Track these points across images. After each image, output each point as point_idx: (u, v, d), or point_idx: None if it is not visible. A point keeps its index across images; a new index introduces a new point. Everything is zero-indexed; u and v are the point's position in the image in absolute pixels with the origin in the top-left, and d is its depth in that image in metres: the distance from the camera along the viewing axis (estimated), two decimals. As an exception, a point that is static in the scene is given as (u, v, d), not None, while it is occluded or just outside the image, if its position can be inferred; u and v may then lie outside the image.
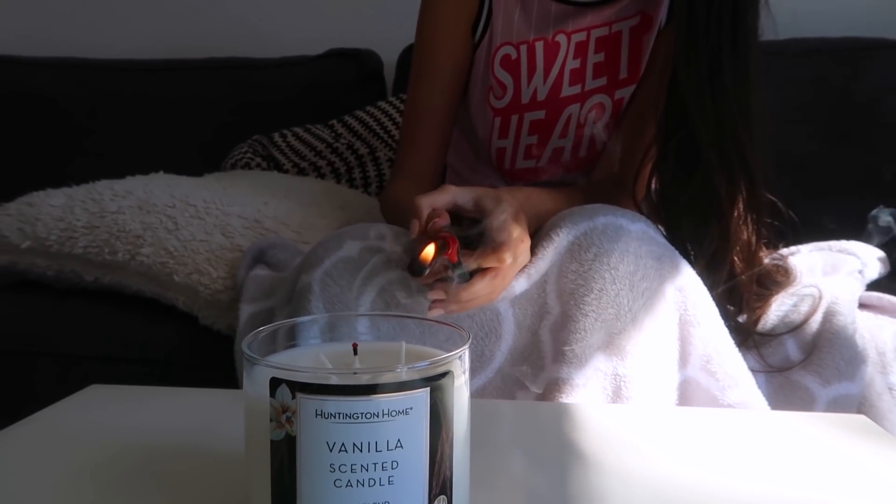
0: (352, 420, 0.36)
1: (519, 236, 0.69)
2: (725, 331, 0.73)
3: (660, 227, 0.79)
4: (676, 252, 0.74)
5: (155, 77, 1.68)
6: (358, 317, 0.64)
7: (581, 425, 0.59)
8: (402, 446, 0.37)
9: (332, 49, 1.67)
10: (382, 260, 0.73)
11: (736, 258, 0.81)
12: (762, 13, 0.81)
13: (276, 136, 1.50)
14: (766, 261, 0.87)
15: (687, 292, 0.71)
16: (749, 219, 0.81)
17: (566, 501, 0.47)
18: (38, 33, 1.87)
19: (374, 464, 0.36)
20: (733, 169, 0.80)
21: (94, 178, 1.16)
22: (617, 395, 0.69)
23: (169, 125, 1.63)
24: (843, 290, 0.85)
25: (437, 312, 0.68)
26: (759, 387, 0.73)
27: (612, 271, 0.70)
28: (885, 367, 0.79)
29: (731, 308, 0.81)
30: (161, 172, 1.21)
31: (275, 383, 0.37)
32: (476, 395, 0.71)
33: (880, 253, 0.98)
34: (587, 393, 0.68)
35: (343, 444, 0.36)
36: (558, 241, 0.72)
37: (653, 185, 0.86)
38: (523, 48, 0.94)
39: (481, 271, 0.68)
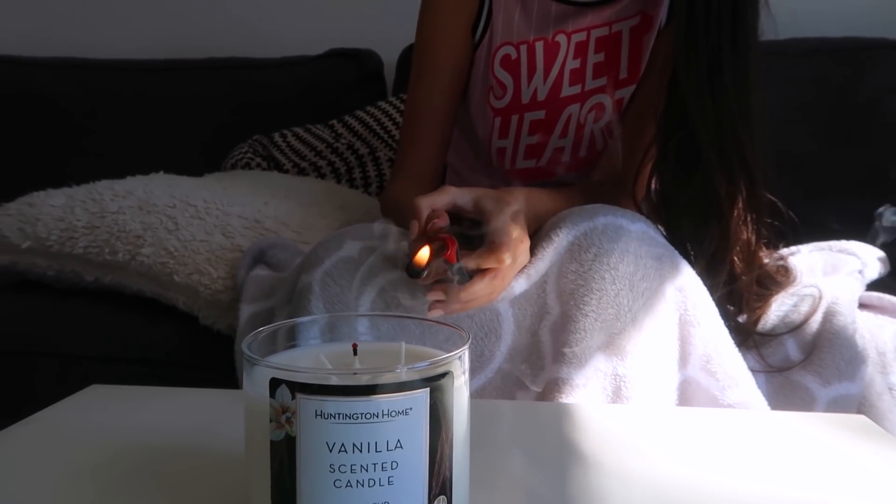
0: (351, 420, 0.36)
1: (518, 237, 0.69)
2: (725, 331, 0.73)
3: (660, 227, 0.79)
4: (676, 252, 0.74)
5: (155, 77, 1.68)
6: (358, 317, 0.64)
7: (581, 425, 0.59)
8: (401, 447, 0.37)
9: (333, 49, 1.67)
10: (381, 259, 0.73)
11: (736, 258, 0.81)
12: (762, 13, 0.81)
13: (277, 136, 1.50)
14: (766, 261, 0.87)
15: (687, 292, 0.71)
16: (749, 219, 0.81)
17: (566, 502, 0.47)
18: (38, 33, 1.87)
19: (374, 464, 0.36)
20: (733, 169, 0.80)
21: (95, 179, 1.16)
22: (617, 396, 0.69)
23: (169, 125, 1.63)
24: (843, 290, 0.85)
25: (436, 313, 0.68)
26: (760, 387, 0.73)
27: (612, 271, 0.70)
28: (886, 368, 0.79)
29: (731, 308, 0.81)
30: (161, 172, 1.21)
31: (275, 384, 0.37)
32: (476, 395, 0.71)
33: (880, 253, 0.98)
34: (587, 393, 0.68)
35: (343, 444, 0.36)
36: (558, 242, 0.72)
37: (653, 185, 0.86)
38: (523, 48, 0.94)
39: (481, 272, 0.68)
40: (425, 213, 0.68)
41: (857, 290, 0.88)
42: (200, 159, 1.50)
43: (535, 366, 0.71)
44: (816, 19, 1.49)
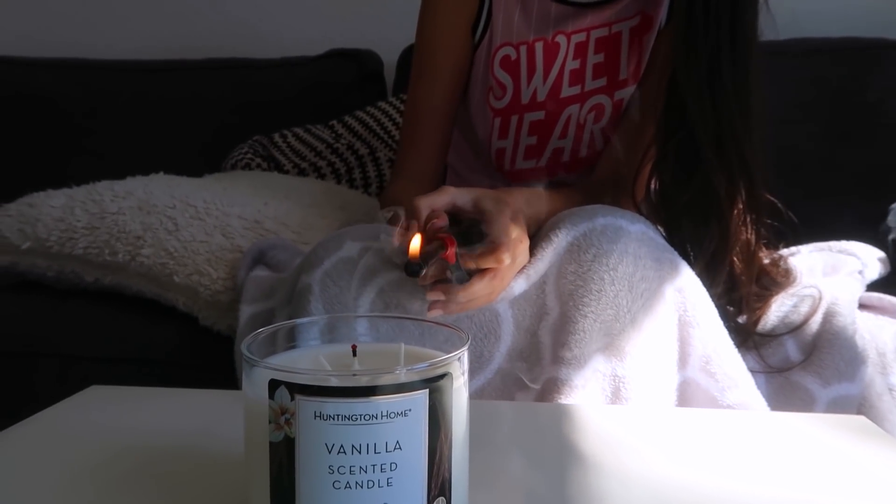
0: (350, 422, 0.36)
1: (518, 237, 0.69)
2: (725, 331, 0.73)
3: (659, 227, 0.79)
4: (676, 253, 0.74)
5: (155, 77, 1.68)
6: (357, 318, 0.64)
7: (580, 426, 0.59)
8: (400, 448, 0.37)
9: (333, 49, 1.67)
10: (379, 259, 0.73)
11: (735, 259, 0.81)
12: (762, 13, 0.81)
13: (277, 137, 1.50)
14: (766, 261, 0.87)
15: (686, 293, 0.71)
16: (748, 219, 0.81)
17: (565, 502, 0.47)
18: (38, 34, 1.87)
19: (373, 465, 0.36)
20: (733, 169, 0.80)
21: (95, 179, 1.16)
22: (616, 396, 0.69)
23: (169, 125, 1.63)
24: (843, 290, 0.85)
25: (436, 313, 0.68)
26: (759, 387, 0.73)
27: (612, 272, 0.70)
28: (885, 368, 0.79)
29: (731, 309, 0.81)
30: (161, 173, 1.21)
31: (274, 385, 0.37)
32: (475, 395, 0.71)
33: (880, 253, 0.98)
34: (586, 394, 0.68)
35: (342, 445, 0.36)
36: (557, 242, 0.72)
37: (652, 186, 0.86)
38: (523, 49, 0.94)
39: (480, 272, 0.68)
40: (424, 213, 0.68)
41: (857, 290, 0.88)
42: (200, 160, 1.50)
43: (534, 366, 0.71)
44: (816, 19, 1.49)
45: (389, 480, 0.36)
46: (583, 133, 0.97)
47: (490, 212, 0.69)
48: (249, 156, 1.46)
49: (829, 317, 0.81)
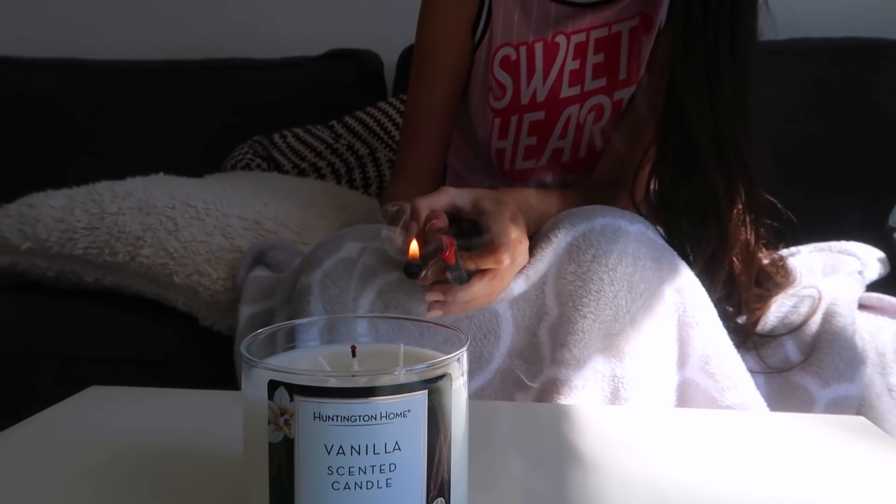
0: (350, 423, 0.36)
1: (517, 237, 0.69)
2: (724, 332, 0.73)
3: (658, 228, 0.79)
4: (675, 253, 0.74)
5: (155, 78, 1.68)
6: (357, 318, 0.64)
7: (579, 427, 0.59)
8: (399, 449, 0.37)
9: (333, 50, 1.67)
10: (379, 259, 0.73)
11: (735, 259, 0.81)
12: (761, 13, 0.81)
13: (277, 137, 1.50)
14: (766, 262, 0.87)
15: (686, 293, 0.71)
16: (748, 219, 0.81)
17: (565, 503, 0.47)
18: (38, 34, 1.87)
19: (372, 466, 0.36)
20: (731, 169, 0.80)
21: (95, 180, 1.16)
22: (615, 397, 0.69)
23: (169, 126, 1.63)
24: (842, 290, 0.85)
25: (435, 314, 0.68)
26: (759, 388, 0.73)
27: (611, 272, 0.70)
28: (885, 369, 0.79)
29: (730, 309, 0.81)
30: (161, 174, 1.21)
31: (273, 386, 0.37)
32: (475, 396, 0.71)
33: (880, 254, 0.98)
34: (586, 394, 0.68)
35: (341, 446, 0.36)
36: (557, 243, 0.72)
37: (651, 186, 0.86)
38: (523, 49, 0.94)
39: (480, 272, 0.68)
40: (424, 213, 0.68)
41: (857, 290, 0.88)
42: (200, 160, 1.50)
43: (533, 367, 0.71)
44: (816, 19, 1.49)
45: (388, 481, 0.36)
46: (582, 133, 0.97)
47: (489, 212, 0.69)
48: (249, 156, 1.46)
49: (828, 317, 0.81)
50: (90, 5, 1.87)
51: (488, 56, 0.96)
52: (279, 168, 1.45)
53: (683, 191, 0.82)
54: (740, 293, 0.81)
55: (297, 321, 0.47)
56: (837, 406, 0.76)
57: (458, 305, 0.68)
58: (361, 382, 0.37)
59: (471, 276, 0.68)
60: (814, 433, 0.59)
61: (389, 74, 1.66)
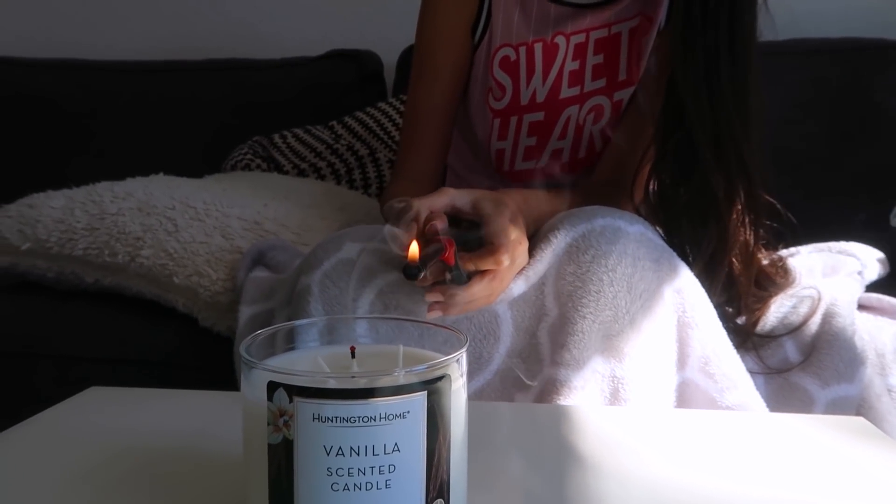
0: (349, 424, 0.36)
1: (517, 238, 0.69)
2: (724, 332, 0.73)
3: (658, 228, 0.79)
4: (675, 254, 0.74)
5: (155, 78, 1.68)
6: (356, 319, 0.64)
7: (579, 427, 0.59)
8: (399, 450, 0.37)
9: (333, 50, 1.67)
10: (378, 260, 0.73)
11: (734, 260, 0.81)
12: (761, 14, 0.81)
13: (276, 138, 1.50)
14: (765, 262, 0.87)
15: (685, 294, 0.71)
16: (747, 220, 0.81)
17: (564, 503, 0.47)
18: (38, 35, 1.87)
19: (372, 467, 0.36)
20: (731, 169, 0.80)
21: (95, 180, 1.16)
22: (615, 397, 0.69)
23: (169, 126, 1.63)
24: (842, 291, 0.85)
25: (435, 314, 0.68)
26: (758, 388, 0.73)
27: (610, 273, 0.70)
28: (884, 369, 0.79)
29: (730, 310, 0.81)
30: (161, 174, 1.21)
31: (272, 387, 0.37)
32: (474, 396, 0.71)
33: (880, 254, 0.98)
34: (585, 395, 0.68)
35: (340, 447, 0.36)
36: (556, 243, 0.72)
37: (651, 187, 0.86)
38: (522, 50, 0.94)
39: (479, 273, 0.68)
40: (424, 214, 0.68)
41: (857, 291, 0.88)
42: (200, 160, 1.50)
43: (533, 367, 0.71)
44: (816, 20, 1.49)
45: (388, 482, 0.37)
46: (582, 134, 0.97)
47: (489, 213, 0.69)
48: (249, 156, 1.46)
49: (828, 318, 0.81)
50: (90, 6, 1.87)
51: (488, 56, 0.96)
52: (279, 168, 1.45)
53: (683, 191, 0.82)
54: (740, 294, 0.81)
55: (297, 322, 0.47)
56: (837, 406, 0.76)
57: (457, 306, 0.68)
58: (361, 384, 0.37)
59: (470, 277, 0.68)
60: (813, 434, 0.59)
61: (389, 75, 1.66)
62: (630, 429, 0.59)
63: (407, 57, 1.57)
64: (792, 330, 0.82)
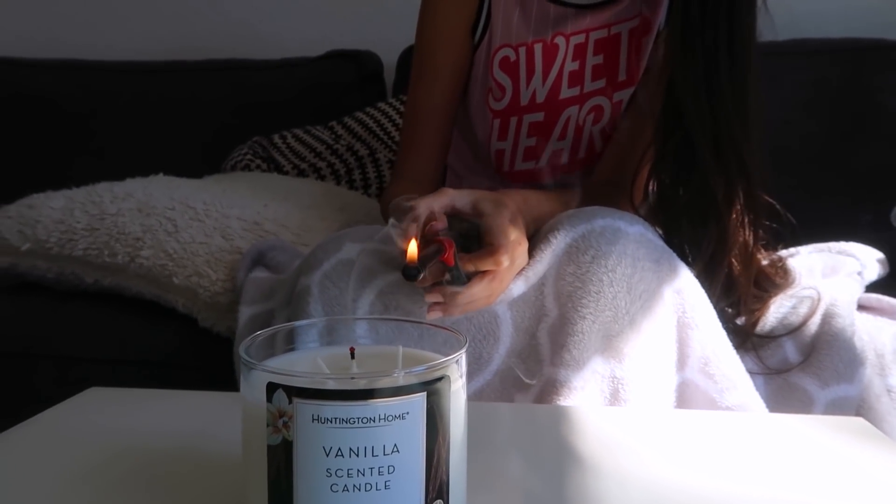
0: (348, 425, 0.36)
1: (516, 239, 0.69)
2: (723, 333, 0.73)
3: (658, 229, 0.79)
4: (674, 254, 0.74)
5: (155, 78, 1.68)
6: (356, 320, 0.64)
7: (579, 428, 0.59)
8: (398, 451, 0.37)
9: (332, 50, 1.67)
10: (377, 260, 0.73)
11: (734, 260, 0.81)
12: (760, 14, 0.81)
13: (276, 138, 1.50)
14: (765, 262, 0.87)
15: (685, 295, 0.71)
16: (746, 220, 0.81)
17: (563, 505, 0.47)
18: (38, 35, 1.87)
19: (371, 468, 0.36)
20: (730, 170, 0.80)
21: (94, 180, 1.16)
22: (615, 398, 0.69)
23: (169, 126, 1.63)
24: (842, 291, 0.85)
25: (435, 315, 0.68)
26: (758, 389, 0.73)
27: (610, 274, 0.70)
28: (884, 369, 0.79)
29: (730, 310, 0.81)
30: (161, 174, 1.21)
31: (271, 388, 0.37)
32: (474, 397, 0.71)
33: (879, 254, 0.98)
34: (585, 395, 0.68)
35: (339, 448, 0.36)
36: (556, 244, 0.72)
37: (651, 187, 0.86)
38: (522, 50, 0.94)
39: (479, 274, 0.68)
40: (423, 215, 0.68)
41: (856, 291, 0.88)
42: (200, 160, 1.50)
43: (533, 368, 0.71)
44: (816, 20, 1.49)
45: (387, 483, 0.37)
46: (582, 134, 0.97)
47: (489, 214, 0.69)
48: (249, 157, 1.46)
49: (827, 318, 0.81)
50: (90, 6, 1.87)
51: (488, 57, 0.96)
52: (279, 169, 1.45)
53: (682, 191, 0.82)
54: (739, 294, 0.81)
55: (296, 323, 0.47)
56: (836, 407, 0.76)
57: (457, 307, 0.68)
58: (360, 385, 0.37)
59: (470, 277, 0.68)
60: (813, 434, 0.59)
61: (389, 75, 1.66)
62: (630, 429, 0.59)
63: (407, 57, 1.57)
64: (791, 330, 0.82)
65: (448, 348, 0.42)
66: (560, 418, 0.62)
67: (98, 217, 1.06)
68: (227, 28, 1.81)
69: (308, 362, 0.44)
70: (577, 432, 0.58)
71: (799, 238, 0.95)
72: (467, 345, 0.41)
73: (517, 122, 0.97)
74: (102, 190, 1.11)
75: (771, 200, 0.85)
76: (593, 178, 0.99)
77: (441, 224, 0.67)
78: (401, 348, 0.44)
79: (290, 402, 0.36)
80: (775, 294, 0.85)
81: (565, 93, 0.95)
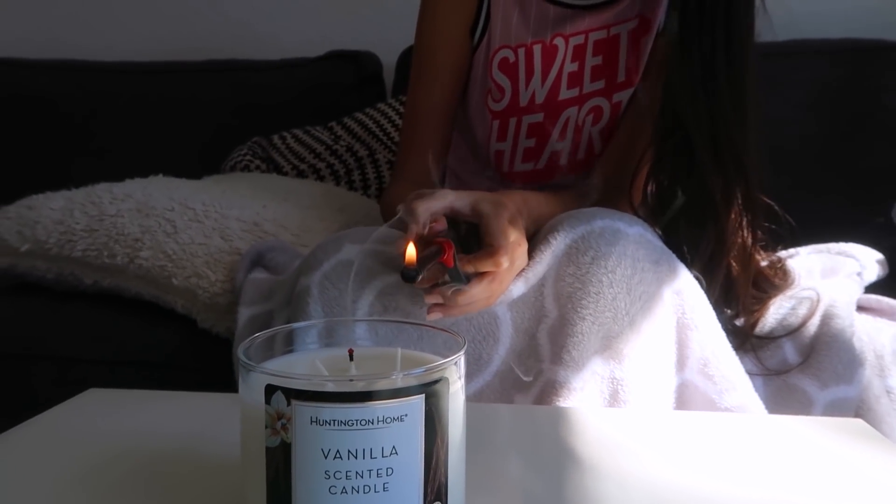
0: (347, 427, 0.36)
1: (516, 240, 0.69)
2: (723, 334, 0.73)
3: (657, 230, 0.79)
4: (674, 255, 0.74)
5: (155, 79, 1.68)
6: (355, 322, 0.64)
7: (578, 429, 0.59)
8: (397, 453, 0.37)
9: (332, 51, 1.67)
10: (377, 261, 0.73)
11: (733, 261, 0.81)
12: (759, 15, 0.81)
13: (276, 139, 1.50)
14: (764, 263, 0.87)
15: (684, 296, 0.71)
16: (745, 221, 0.81)
17: (562, 506, 0.47)
18: (38, 35, 1.87)
19: (369, 470, 0.36)
20: (728, 171, 0.80)
21: (94, 181, 1.16)
22: (614, 399, 0.69)
23: (168, 127, 1.63)
24: (841, 292, 0.85)
25: (435, 316, 0.68)
26: (757, 390, 0.73)
27: (610, 275, 0.70)
28: (883, 370, 0.79)
29: (729, 311, 0.81)
30: (160, 175, 1.21)
31: (270, 390, 0.37)
32: (474, 398, 0.71)
33: (879, 255, 0.98)
34: (584, 396, 0.68)
35: (338, 450, 0.36)
36: (556, 245, 0.72)
37: (650, 189, 0.86)
38: (521, 51, 0.94)
39: (479, 275, 0.68)
40: (423, 217, 0.68)
41: (856, 292, 0.88)
42: (199, 161, 1.50)
43: (532, 368, 0.71)
44: (816, 21, 1.49)
45: (386, 485, 0.37)
46: (581, 135, 0.97)
47: (488, 215, 0.69)
48: (248, 157, 1.46)
49: (827, 319, 0.81)
50: (90, 6, 1.87)
51: (487, 58, 0.96)
52: (278, 169, 1.45)
53: (681, 192, 0.82)
54: (738, 295, 0.81)
55: (296, 324, 0.47)
56: (836, 408, 0.76)
57: (457, 308, 0.68)
58: (359, 387, 0.37)
59: (470, 278, 0.68)
60: (812, 436, 0.59)
61: (389, 76, 1.66)
62: (629, 430, 0.59)
63: (406, 58, 1.57)
64: (791, 331, 0.82)
65: (447, 350, 0.42)
66: (559, 419, 0.62)
67: (97, 218, 1.06)
68: (227, 29, 1.81)
69: (307, 364, 0.44)
70: (576, 433, 0.58)
71: (799, 238, 0.95)
72: (466, 346, 0.41)
73: (516, 123, 0.97)
74: (101, 191, 1.11)
75: (769, 201, 0.85)
76: (592, 179, 0.99)
77: (440, 225, 0.67)
78: (399, 350, 0.44)
79: (289, 403, 0.36)
80: (774, 295, 0.85)
81: (564, 94, 0.95)
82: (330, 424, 0.36)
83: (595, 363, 0.69)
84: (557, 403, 0.68)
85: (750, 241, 0.82)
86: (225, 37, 1.79)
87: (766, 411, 0.71)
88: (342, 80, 1.63)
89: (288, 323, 0.53)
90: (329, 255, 0.75)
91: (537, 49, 0.94)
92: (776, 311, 0.84)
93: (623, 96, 0.95)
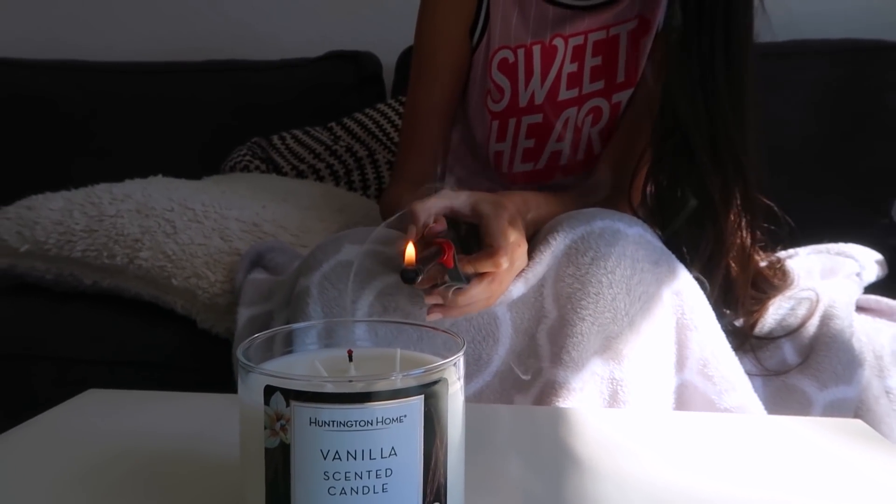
0: (346, 428, 0.36)
1: (516, 241, 0.69)
2: (722, 335, 0.73)
3: (656, 230, 0.79)
4: (673, 256, 0.74)
5: (154, 79, 1.68)
6: (355, 322, 0.64)
7: (578, 430, 0.59)
8: (396, 454, 0.37)
9: (332, 51, 1.67)
10: (376, 262, 0.73)
11: (732, 262, 0.81)
12: (758, 16, 0.81)
13: (275, 139, 1.50)
14: (763, 264, 0.87)
15: (684, 296, 0.71)
16: (744, 222, 0.81)
17: (561, 507, 0.47)
18: (38, 36, 1.87)
19: (369, 471, 0.36)
20: (727, 171, 0.80)
21: (94, 181, 1.16)
22: (613, 400, 0.69)
23: (168, 127, 1.63)
24: (840, 293, 0.85)
25: (435, 317, 0.68)
26: (756, 390, 0.73)
27: (609, 275, 0.70)
28: (883, 371, 0.79)
29: (728, 312, 0.81)
30: (160, 176, 1.21)
31: (269, 391, 0.37)
32: (473, 398, 0.71)
33: (878, 256, 0.98)
34: (584, 397, 0.68)
35: (337, 451, 0.36)
36: (555, 245, 0.72)
37: (649, 189, 0.86)
38: (521, 52, 0.94)
39: (478, 276, 0.68)
40: (422, 218, 0.68)
41: (855, 293, 0.88)
42: (199, 161, 1.50)
43: (532, 369, 0.71)
44: (816, 21, 1.49)
45: (385, 486, 0.37)
46: (580, 136, 0.97)
47: (488, 215, 0.69)
48: (248, 158, 1.46)
49: (826, 319, 0.81)
50: (90, 6, 1.87)
51: (486, 58, 0.96)
52: (278, 170, 1.45)
53: (680, 193, 0.82)
54: (738, 296, 0.81)
55: (295, 325, 0.47)
56: (835, 409, 0.77)
57: (457, 309, 0.68)
58: (358, 388, 0.37)
59: (469, 279, 0.68)
60: (811, 436, 0.59)
61: (388, 76, 1.66)
62: (629, 431, 0.59)
63: (406, 58, 1.57)
64: (790, 332, 0.82)
65: (447, 350, 0.42)
66: (559, 420, 0.62)
67: (97, 218, 1.06)
68: (227, 29, 1.81)
69: (306, 365, 0.44)
70: (575, 434, 0.58)
71: (798, 239, 0.95)
72: (465, 347, 0.41)
73: (516, 124, 0.97)
74: (101, 191, 1.11)
75: (768, 202, 0.85)
76: (592, 180, 0.99)
77: (440, 226, 0.67)
78: (399, 351, 0.44)
79: (288, 404, 0.36)
80: (774, 295, 0.85)
81: (564, 94, 0.95)
82: (329, 425, 0.36)
83: (594, 364, 0.69)
84: (557, 404, 0.68)
85: (749, 241, 0.82)
86: (225, 37, 1.79)
87: (765, 412, 0.71)
88: (342, 81, 1.63)
89: (287, 323, 0.53)
90: (328, 255, 0.75)
91: (537, 49, 0.94)
92: (775, 312, 0.84)
93: (622, 97, 0.95)
